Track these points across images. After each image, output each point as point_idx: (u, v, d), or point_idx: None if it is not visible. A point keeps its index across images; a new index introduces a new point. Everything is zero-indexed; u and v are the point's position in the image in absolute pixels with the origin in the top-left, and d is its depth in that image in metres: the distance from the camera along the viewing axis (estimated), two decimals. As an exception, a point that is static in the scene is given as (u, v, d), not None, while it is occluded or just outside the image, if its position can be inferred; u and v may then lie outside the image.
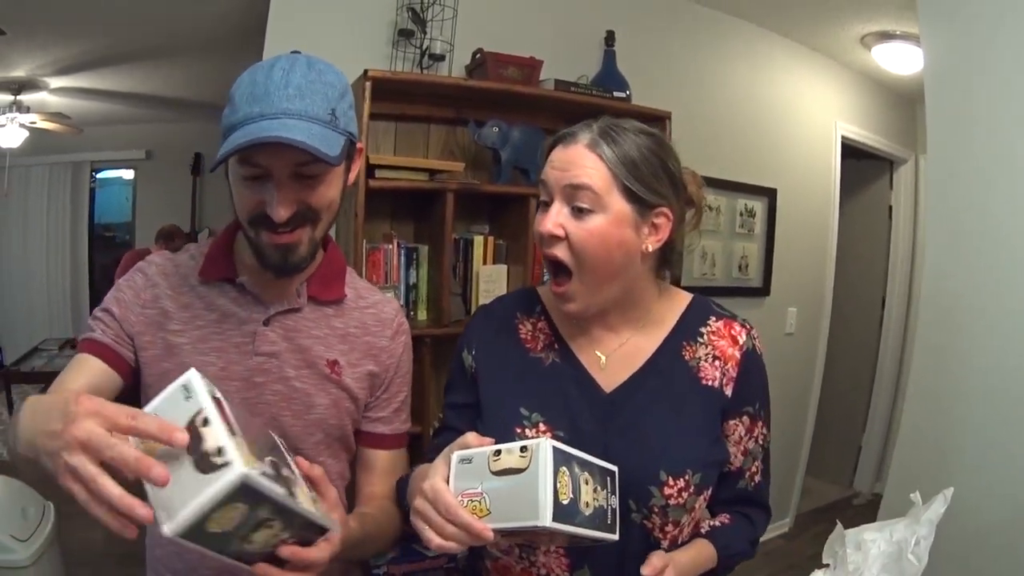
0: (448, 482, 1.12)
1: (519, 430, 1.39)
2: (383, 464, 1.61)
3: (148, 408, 0.96)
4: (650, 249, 1.36)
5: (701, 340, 1.46)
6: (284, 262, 1.37)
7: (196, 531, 0.89)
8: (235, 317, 1.46)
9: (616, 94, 3.32)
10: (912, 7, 2.68)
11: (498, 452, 1.11)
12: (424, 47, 3.10)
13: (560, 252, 1.33)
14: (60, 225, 8.67)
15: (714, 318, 1.49)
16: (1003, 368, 2.37)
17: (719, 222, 4.35)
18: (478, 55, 3.15)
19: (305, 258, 1.40)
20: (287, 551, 1.05)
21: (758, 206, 4.56)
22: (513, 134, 3.04)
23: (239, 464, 0.89)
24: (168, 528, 0.87)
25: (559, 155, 1.35)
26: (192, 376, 0.98)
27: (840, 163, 5.14)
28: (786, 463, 5.06)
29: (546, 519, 1.04)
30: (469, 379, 1.51)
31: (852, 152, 5.30)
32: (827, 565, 1.32)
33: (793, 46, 4.72)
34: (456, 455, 1.14)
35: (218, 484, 0.88)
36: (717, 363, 1.44)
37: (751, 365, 1.47)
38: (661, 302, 1.49)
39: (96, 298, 8.43)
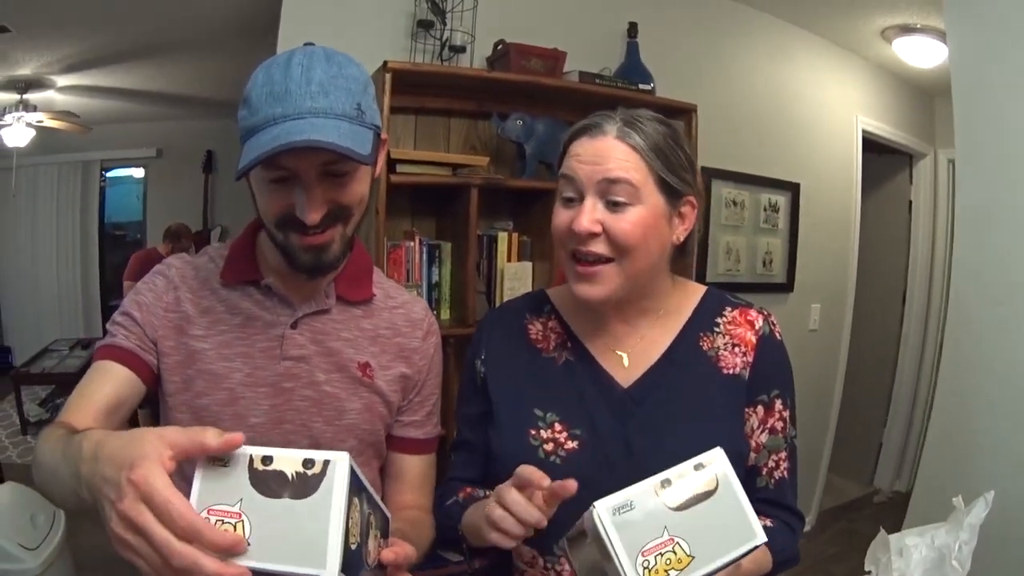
0: None
1: (534, 432, 1.37)
2: (415, 470, 1.57)
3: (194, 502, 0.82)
4: (680, 239, 1.36)
5: (718, 330, 1.44)
6: (318, 263, 1.33)
7: (344, 557, 0.81)
8: (261, 320, 1.41)
9: (641, 86, 3.26)
10: (934, 0, 2.65)
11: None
12: (444, 38, 3.05)
13: (599, 248, 1.29)
14: (70, 225, 8.67)
15: (729, 308, 1.47)
16: None
17: (743, 217, 4.29)
18: (500, 46, 3.09)
19: (339, 257, 1.36)
20: (389, 555, 0.99)
21: (782, 201, 4.50)
22: (537, 127, 2.98)
23: (333, 454, 0.84)
24: (332, 569, 0.79)
25: (587, 148, 1.31)
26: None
27: (861, 157, 5.07)
28: (809, 460, 5.01)
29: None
30: (480, 387, 1.49)
31: (872, 146, 5.24)
32: (869, 572, 1.30)
33: (814, 39, 4.66)
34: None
35: (336, 484, 0.83)
36: (737, 350, 1.41)
37: (767, 349, 1.43)
38: (675, 294, 1.47)
39: (107, 298, 8.51)
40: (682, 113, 3.34)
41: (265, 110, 1.19)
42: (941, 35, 4.01)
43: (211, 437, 0.82)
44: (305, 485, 0.83)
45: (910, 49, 4.58)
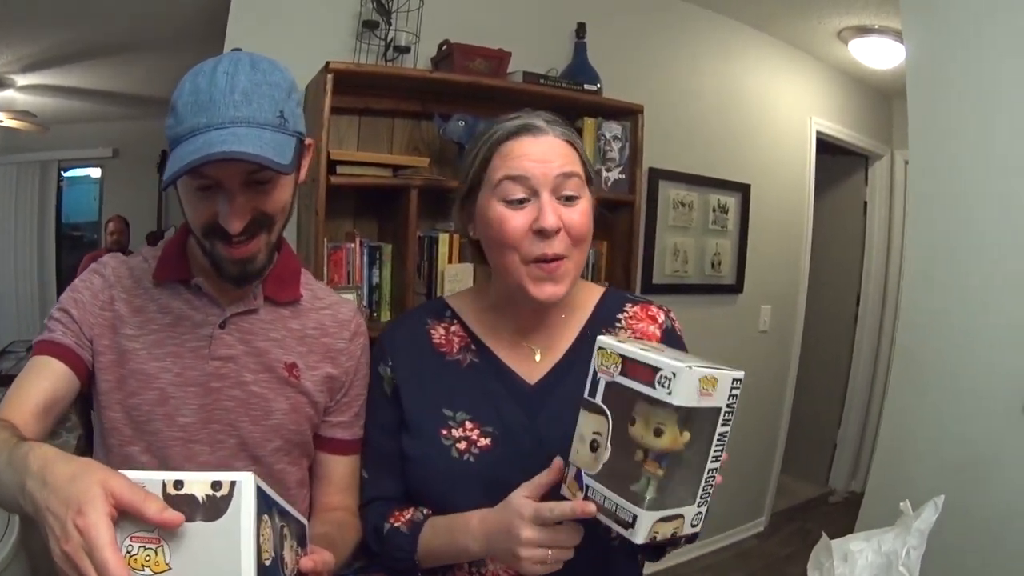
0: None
1: (445, 432, 1.37)
2: (342, 471, 1.56)
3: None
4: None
5: (620, 325, 1.47)
6: (244, 273, 1.35)
7: (259, 573, 0.84)
8: (190, 320, 1.42)
9: (587, 86, 3.26)
10: (891, 0, 2.66)
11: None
12: (389, 39, 3.02)
13: (561, 245, 1.30)
14: (27, 225, 8.54)
15: (631, 304, 1.51)
16: (983, 370, 2.36)
17: (691, 218, 4.29)
18: (444, 47, 3.07)
19: (265, 265, 1.38)
20: (308, 563, 1.03)
21: (731, 202, 4.50)
22: (479, 128, 2.93)
23: (239, 475, 0.85)
24: None
25: (534, 147, 1.32)
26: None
27: (815, 159, 5.10)
28: (761, 462, 5.05)
29: None
30: (391, 394, 1.48)
31: (827, 147, 5.28)
32: None
33: (768, 40, 4.68)
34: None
35: (243, 504, 0.84)
36: None
37: (671, 342, 1.45)
38: (579, 291, 1.48)
39: (64, 299, 8.40)
40: (628, 114, 3.35)
41: (190, 119, 1.20)
42: (898, 36, 4.04)
43: (152, 510, 0.84)
44: (215, 507, 0.85)
45: (867, 50, 4.62)
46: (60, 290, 8.45)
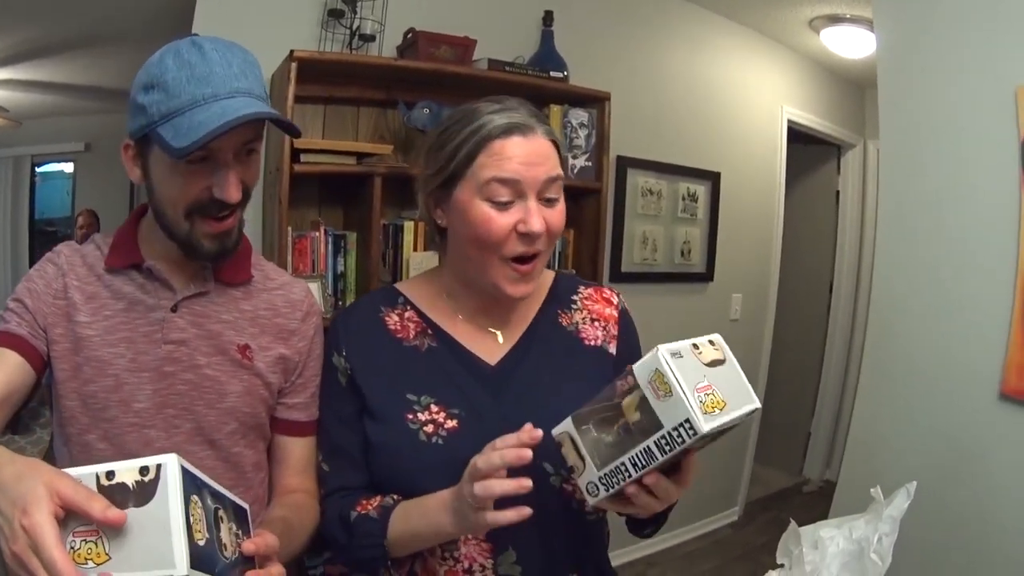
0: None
1: (411, 416, 1.36)
2: (298, 452, 1.56)
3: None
4: None
5: (575, 307, 1.51)
6: (223, 248, 1.38)
7: (193, 553, 0.85)
8: (142, 305, 1.42)
9: (553, 74, 3.25)
10: None
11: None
12: (354, 27, 3.01)
13: (541, 245, 1.33)
14: (1, 221, 8.50)
15: (583, 287, 1.56)
16: (956, 359, 2.38)
17: (660, 206, 4.29)
18: (409, 35, 3.06)
19: (238, 239, 1.42)
20: (250, 546, 1.03)
21: (701, 190, 4.51)
22: (444, 115, 2.94)
23: (162, 457, 0.87)
24: (181, 567, 0.83)
25: (524, 149, 1.30)
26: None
27: (786, 147, 5.12)
28: (734, 451, 5.07)
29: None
30: (347, 384, 1.46)
31: (799, 137, 5.30)
32: (782, 565, 1.27)
33: (739, 28, 4.70)
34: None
35: (169, 484, 0.86)
36: (597, 324, 1.49)
37: (627, 323, 1.53)
38: None
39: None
40: (595, 101, 3.36)
41: (190, 91, 1.22)
42: (871, 25, 4.05)
43: (96, 510, 0.86)
44: (144, 492, 0.86)
45: (839, 39, 4.64)
46: (34, 286, 8.51)
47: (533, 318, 1.47)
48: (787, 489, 5.89)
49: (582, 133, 3.30)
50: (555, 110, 3.27)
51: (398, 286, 1.56)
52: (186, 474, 0.89)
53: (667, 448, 1.04)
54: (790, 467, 6.14)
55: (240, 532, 1.02)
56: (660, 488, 1.11)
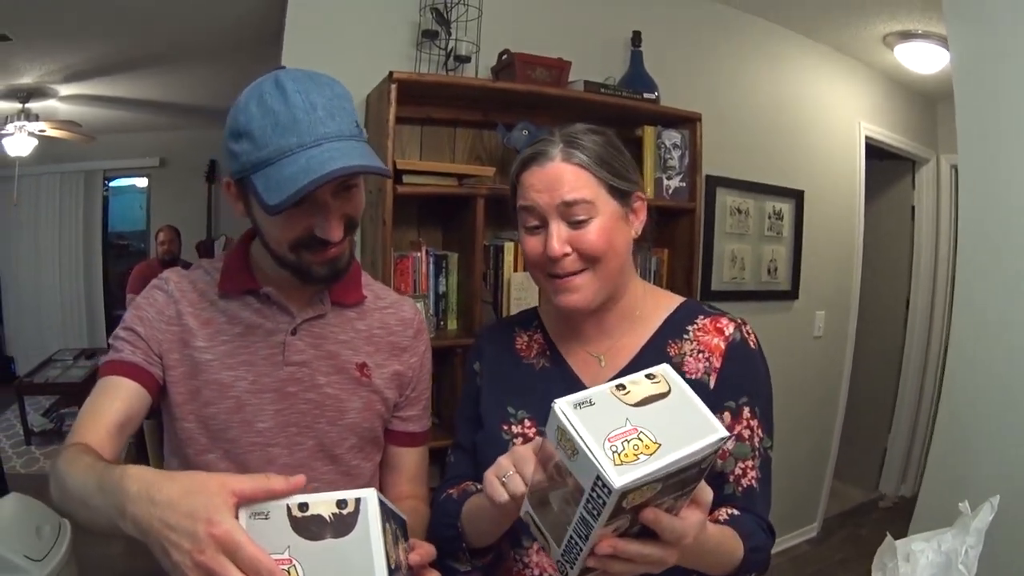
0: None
1: (506, 427, 1.46)
2: (411, 461, 1.67)
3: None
4: (638, 233, 1.46)
5: (687, 337, 1.48)
6: (334, 272, 1.41)
7: None
8: (261, 329, 1.47)
9: (646, 95, 3.25)
10: (935, 5, 2.67)
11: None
12: (449, 48, 3.04)
13: (572, 265, 1.38)
14: (72, 234, 8.68)
15: (703, 316, 1.50)
16: None
17: (748, 225, 4.29)
18: (505, 56, 3.09)
19: (350, 262, 1.45)
20: (415, 557, 1.07)
21: (786, 208, 4.49)
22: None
23: (362, 492, 0.92)
24: None
25: (539, 177, 1.37)
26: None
27: (864, 163, 5.08)
28: (814, 467, 5.02)
29: None
30: (476, 389, 1.58)
31: (875, 152, 5.25)
32: None
33: (816, 46, 4.67)
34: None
35: (370, 519, 0.90)
36: (701, 356, 1.45)
37: (737, 355, 1.45)
38: (647, 301, 1.53)
39: (111, 308, 8.51)
40: (687, 122, 3.35)
41: (277, 141, 1.22)
42: (943, 40, 4.02)
43: (277, 482, 0.91)
44: (343, 524, 0.90)
45: (912, 55, 4.59)
46: (107, 299, 8.63)
47: (642, 346, 1.48)
48: (863, 504, 5.81)
49: (676, 154, 3.30)
50: (648, 131, 3.27)
51: (538, 308, 1.66)
52: (382, 506, 0.93)
53: (595, 512, 0.92)
54: (866, 483, 6.05)
55: (405, 545, 1.06)
56: (631, 553, 1.00)
